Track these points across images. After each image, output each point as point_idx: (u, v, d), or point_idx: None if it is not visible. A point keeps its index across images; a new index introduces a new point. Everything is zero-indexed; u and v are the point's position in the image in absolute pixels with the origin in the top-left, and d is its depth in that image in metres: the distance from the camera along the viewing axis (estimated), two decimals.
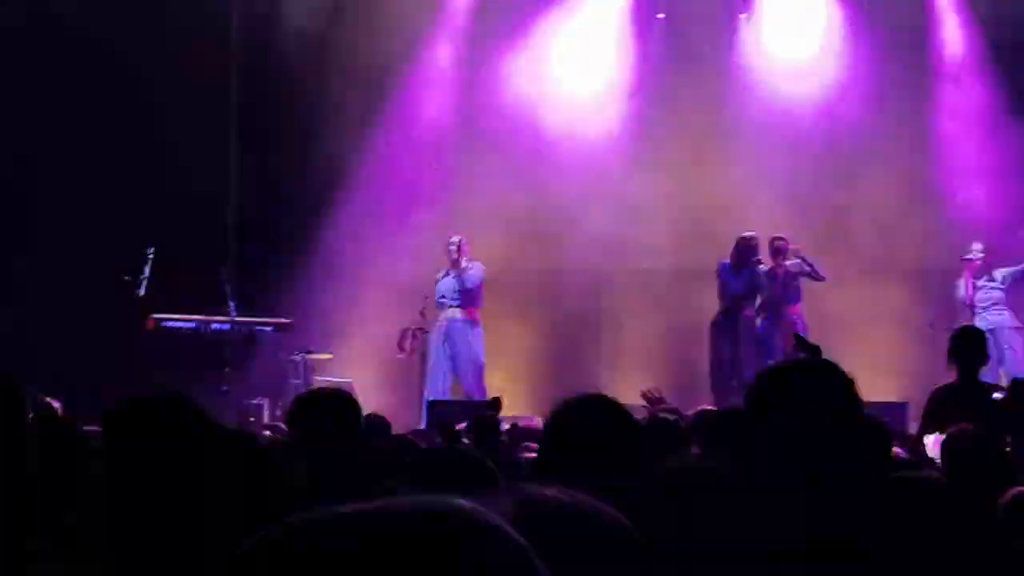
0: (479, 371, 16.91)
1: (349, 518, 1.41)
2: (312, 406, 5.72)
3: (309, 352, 16.57)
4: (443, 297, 16.96)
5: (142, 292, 15.39)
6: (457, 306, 16.94)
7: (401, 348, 16.68)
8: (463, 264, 16.92)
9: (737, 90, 18.90)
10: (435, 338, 16.92)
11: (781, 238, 16.25)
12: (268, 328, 16.30)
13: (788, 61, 18.89)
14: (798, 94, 18.56)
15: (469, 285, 16.91)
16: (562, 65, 19.12)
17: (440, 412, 14.05)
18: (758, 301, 16.17)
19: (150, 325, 15.58)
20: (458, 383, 16.88)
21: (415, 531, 1.40)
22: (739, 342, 15.92)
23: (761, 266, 16.14)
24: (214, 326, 15.99)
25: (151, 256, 15.55)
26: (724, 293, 16.15)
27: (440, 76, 19.18)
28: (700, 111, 18.55)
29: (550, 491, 1.79)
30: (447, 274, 17.06)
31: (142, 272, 15.40)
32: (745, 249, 16.14)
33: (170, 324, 15.88)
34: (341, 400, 5.81)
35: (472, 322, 17.03)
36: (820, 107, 18.47)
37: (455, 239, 16.99)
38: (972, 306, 16.36)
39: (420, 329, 16.74)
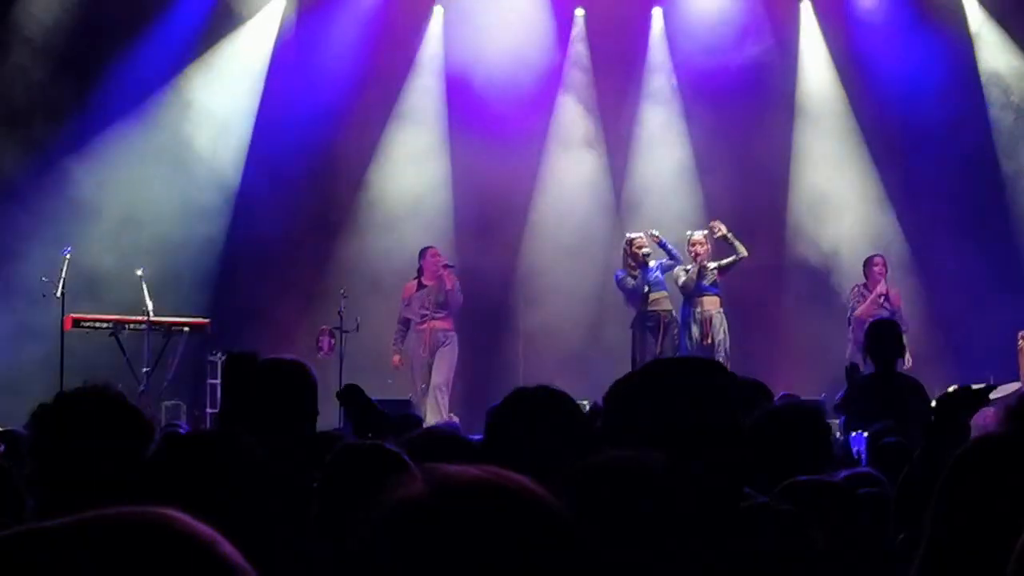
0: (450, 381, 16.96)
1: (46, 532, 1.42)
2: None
3: (229, 352, 16.49)
4: (425, 310, 16.88)
5: (58, 292, 15.27)
6: (441, 318, 16.94)
7: (319, 348, 16.64)
8: (450, 283, 16.92)
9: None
10: (418, 348, 16.87)
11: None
12: (185, 328, 16.22)
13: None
14: None
15: (456, 305, 16.96)
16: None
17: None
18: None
19: (68, 325, 15.47)
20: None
21: (111, 544, 1.40)
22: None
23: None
24: (131, 327, 15.91)
25: (68, 257, 15.44)
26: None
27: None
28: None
29: (462, 468, 1.75)
30: (421, 287, 17.00)
31: (59, 272, 15.27)
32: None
33: (88, 324, 15.77)
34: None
35: (452, 332, 17.04)
36: None
37: (435, 249, 17.00)
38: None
39: (338, 328, 16.70)
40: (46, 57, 17.38)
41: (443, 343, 16.89)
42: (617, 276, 16.28)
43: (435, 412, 16.01)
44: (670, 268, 16.18)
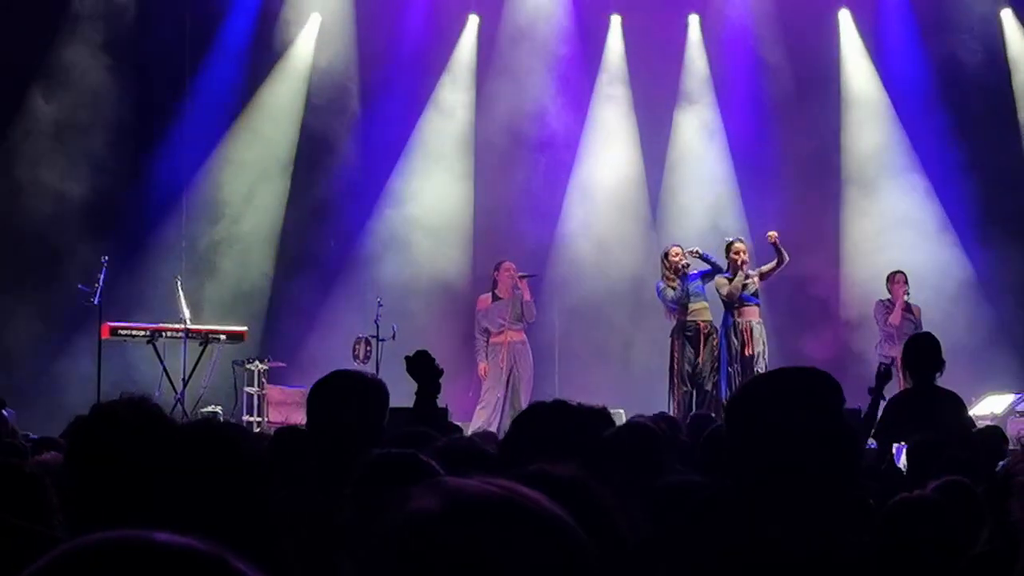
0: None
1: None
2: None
3: (263, 360, 16.60)
4: (502, 321, 16.95)
5: (96, 301, 15.34)
6: (518, 329, 17.02)
7: (355, 355, 16.66)
8: (525, 295, 17.00)
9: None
10: (496, 360, 16.92)
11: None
12: (222, 336, 16.26)
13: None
14: None
15: (532, 316, 17.05)
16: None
17: (396, 419, 13.98)
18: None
19: (105, 333, 15.54)
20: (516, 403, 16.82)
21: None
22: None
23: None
24: (168, 335, 15.97)
25: (106, 264, 15.51)
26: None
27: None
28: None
29: (478, 482, 1.73)
30: (496, 298, 17.04)
31: (97, 281, 15.34)
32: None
33: (125, 333, 15.84)
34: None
35: (527, 345, 17.12)
36: None
37: (508, 264, 17.08)
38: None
39: (374, 336, 16.72)
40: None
41: (521, 356, 16.98)
42: (657, 287, 16.19)
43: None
44: (711, 277, 16.06)
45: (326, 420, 5.26)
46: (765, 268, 16.13)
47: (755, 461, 3.13)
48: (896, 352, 16.10)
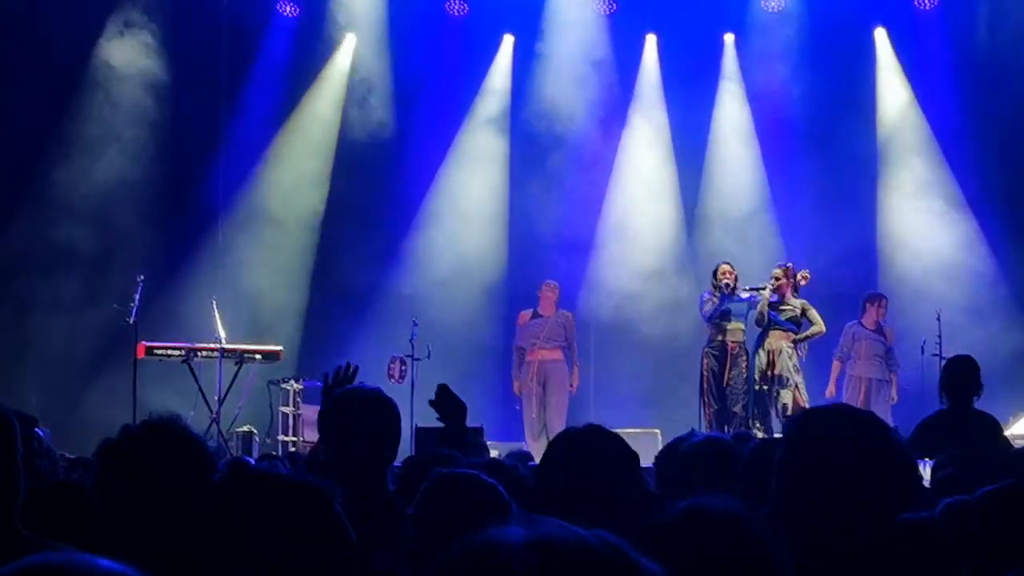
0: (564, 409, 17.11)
1: None
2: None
3: (298, 380, 16.62)
4: (535, 339, 17.06)
5: (132, 319, 15.40)
6: (551, 348, 17.11)
7: (391, 375, 16.66)
8: (560, 310, 17.20)
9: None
10: (527, 379, 17.06)
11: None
12: (258, 356, 16.28)
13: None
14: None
15: (572, 334, 17.20)
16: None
17: (427, 439, 13.99)
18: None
19: (141, 352, 15.59)
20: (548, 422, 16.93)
21: None
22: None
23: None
24: (203, 354, 16.00)
25: (141, 283, 15.57)
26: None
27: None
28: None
29: (566, 526, 1.72)
30: (536, 316, 17.19)
31: (132, 300, 15.41)
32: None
33: (160, 352, 15.88)
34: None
35: (563, 363, 17.21)
36: None
37: (553, 283, 17.15)
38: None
39: (409, 356, 16.73)
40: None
41: (552, 374, 17.05)
42: (701, 298, 16.17)
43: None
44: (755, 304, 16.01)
45: (337, 435, 5.25)
46: (802, 335, 16.01)
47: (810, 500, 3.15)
48: (864, 371, 16.37)
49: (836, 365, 16.92)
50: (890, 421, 15.24)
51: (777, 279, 15.88)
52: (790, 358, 15.66)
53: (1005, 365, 16.67)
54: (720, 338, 15.83)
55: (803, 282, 15.98)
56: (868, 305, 16.92)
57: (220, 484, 3.40)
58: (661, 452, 5.75)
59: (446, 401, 6.32)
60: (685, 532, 2.51)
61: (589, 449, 4.13)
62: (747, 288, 15.87)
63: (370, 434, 5.14)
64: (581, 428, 4.31)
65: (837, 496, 3.16)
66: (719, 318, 15.80)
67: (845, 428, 3.30)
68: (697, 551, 2.46)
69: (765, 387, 15.56)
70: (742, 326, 15.88)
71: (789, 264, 16.20)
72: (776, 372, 15.58)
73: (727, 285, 15.80)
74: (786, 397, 15.40)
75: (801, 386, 15.60)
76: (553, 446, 4.27)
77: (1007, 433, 12.55)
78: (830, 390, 16.73)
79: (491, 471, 4.32)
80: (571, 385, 17.14)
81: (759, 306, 15.74)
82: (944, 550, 4.03)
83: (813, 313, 15.96)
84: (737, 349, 15.80)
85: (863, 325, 16.88)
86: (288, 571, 2.80)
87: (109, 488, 3.71)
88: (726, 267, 16.02)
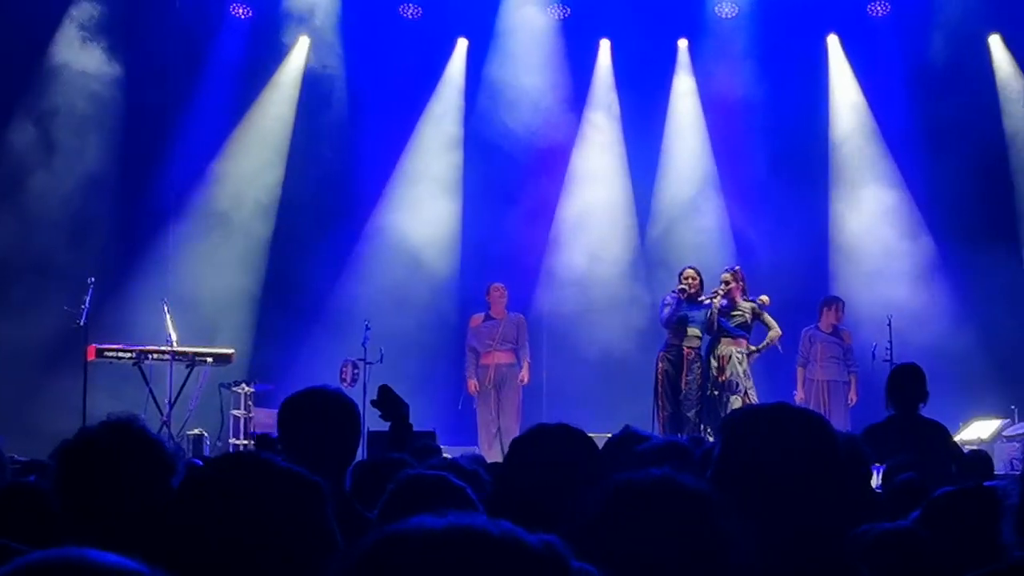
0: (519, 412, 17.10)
1: None
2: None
3: (250, 383, 16.56)
4: (490, 341, 17.03)
5: (83, 322, 15.31)
6: (505, 351, 17.08)
7: (343, 379, 16.61)
8: (511, 312, 17.18)
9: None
10: (483, 381, 17.06)
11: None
12: (209, 359, 16.20)
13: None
14: None
15: (524, 336, 17.18)
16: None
17: (379, 443, 13.96)
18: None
19: (91, 355, 15.50)
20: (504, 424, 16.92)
21: None
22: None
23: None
24: (154, 356, 15.92)
25: (92, 286, 15.48)
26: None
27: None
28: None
29: (495, 524, 1.71)
30: (488, 319, 17.18)
31: (83, 302, 15.31)
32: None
33: (111, 354, 15.79)
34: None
35: (516, 366, 17.19)
36: None
37: (500, 286, 17.13)
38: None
39: (361, 359, 16.69)
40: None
41: (507, 378, 17.05)
42: (662, 300, 16.14)
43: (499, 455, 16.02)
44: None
45: (296, 436, 5.22)
46: (757, 347, 16.03)
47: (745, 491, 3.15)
48: (823, 374, 16.47)
49: (800, 371, 16.98)
50: (848, 423, 15.39)
51: (727, 283, 15.90)
52: (740, 364, 15.68)
53: (954, 369, 16.79)
54: (677, 343, 15.83)
55: (763, 303, 16.03)
56: (825, 309, 17.00)
57: (200, 475, 3.34)
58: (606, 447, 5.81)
59: (387, 401, 6.33)
60: (648, 503, 2.50)
61: (558, 448, 4.11)
62: (704, 298, 15.86)
63: (329, 436, 5.12)
64: (551, 426, 4.31)
65: (773, 493, 3.15)
66: (677, 323, 15.80)
67: (785, 426, 3.30)
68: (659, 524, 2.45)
69: (716, 393, 15.59)
70: (699, 332, 15.88)
71: (737, 267, 16.24)
72: (726, 378, 15.62)
73: (682, 290, 15.82)
74: (736, 403, 15.41)
75: (751, 392, 15.63)
76: (519, 444, 4.24)
77: (957, 438, 12.63)
78: (799, 395, 16.77)
79: (455, 474, 4.30)
80: (521, 379, 17.10)
81: (708, 313, 15.75)
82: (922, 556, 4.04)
83: (766, 317, 15.99)
84: (693, 355, 15.80)
85: (819, 329, 16.95)
86: (270, 566, 2.77)
87: (71, 489, 3.68)
88: (690, 271, 16.01)
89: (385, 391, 6.36)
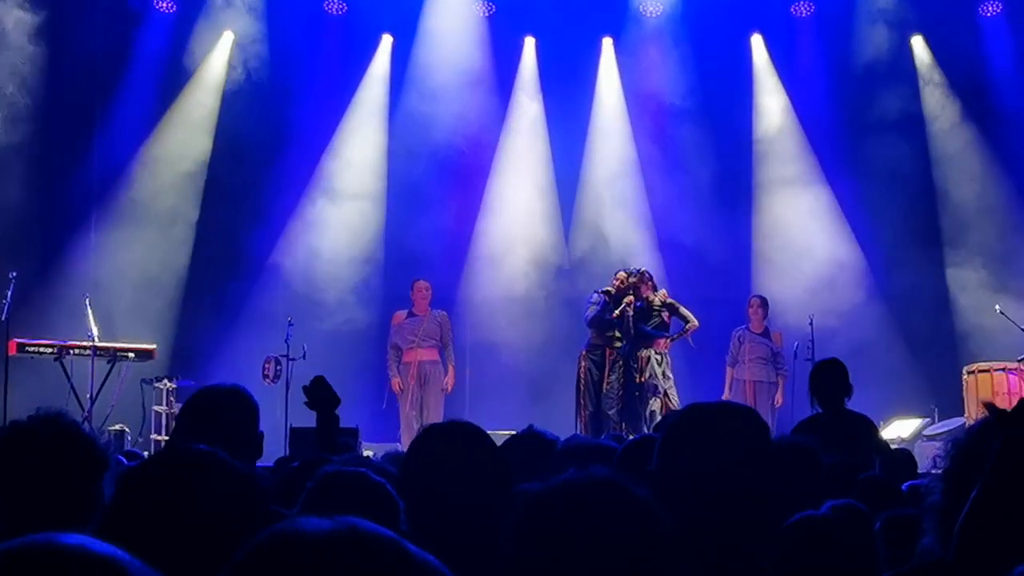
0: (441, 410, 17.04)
1: None
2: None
3: (172, 379, 16.46)
4: (413, 337, 16.95)
5: (3, 316, 15.17)
6: (428, 347, 17.00)
7: (265, 375, 16.55)
8: (434, 310, 17.07)
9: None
10: (406, 378, 16.95)
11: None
12: (131, 354, 16.08)
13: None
14: None
15: (447, 334, 17.09)
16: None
17: (302, 439, 13.90)
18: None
19: (12, 350, 15.36)
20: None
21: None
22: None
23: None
24: (76, 351, 15.78)
25: (13, 280, 15.34)
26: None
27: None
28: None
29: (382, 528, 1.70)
30: (411, 316, 17.09)
31: (4, 296, 15.18)
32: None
33: (32, 349, 15.65)
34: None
35: (439, 363, 17.12)
36: None
37: (424, 282, 17.05)
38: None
39: (284, 356, 16.62)
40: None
41: (430, 375, 16.99)
42: (588, 299, 16.19)
43: None
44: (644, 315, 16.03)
45: (191, 435, 5.18)
46: (674, 336, 16.10)
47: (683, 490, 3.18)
48: (750, 375, 16.59)
49: (729, 372, 17.07)
50: (774, 424, 15.50)
51: (622, 282, 15.95)
52: (659, 364, 15.78)
53: (875, 369, 16.93)
54: (600, 343, 15.90)
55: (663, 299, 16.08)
56: (749, 309, 17.09)
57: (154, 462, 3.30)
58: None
59: (319, 392, 6.29)
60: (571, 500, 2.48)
61: (453, 448, 4.12)
62: (616, 313, 15.88)
63: (225, 433, 5.08)
64: (442, 424, 4.35)
65: (712, 485, 3.19)
66: (600, 325, 15.86)
67: (726, 421, 3.35)
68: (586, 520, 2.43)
69: (636, 393, 15.66)
70: (620, 335, 15.96)
71: (632, 268, 16.30)
72: (645, 379, 15.69)
73: (607, 292, 15.89)
74: (654, 405, 15.52)
75: (671, 391, 15.72)
76: (414, 444, 4.25)
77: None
78: (725, 395, 16.85)
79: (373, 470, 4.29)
80: (446, 386, 17.07)
81: (626, 319, 15.80)
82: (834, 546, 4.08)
83: (683, 311, 16.07)
84: (615, 356, 15.87)
85: (750, 329, 17.05)
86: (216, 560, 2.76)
87: (6, 482, 3.64)
88: (621, 275, 16.10)
89: (320, 382, 6.33)
